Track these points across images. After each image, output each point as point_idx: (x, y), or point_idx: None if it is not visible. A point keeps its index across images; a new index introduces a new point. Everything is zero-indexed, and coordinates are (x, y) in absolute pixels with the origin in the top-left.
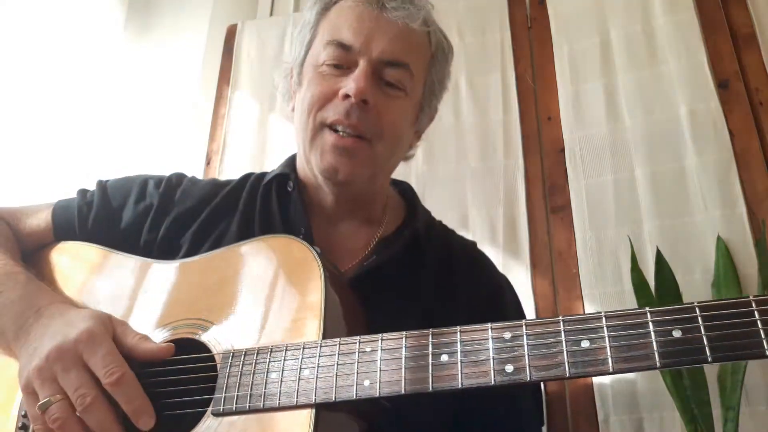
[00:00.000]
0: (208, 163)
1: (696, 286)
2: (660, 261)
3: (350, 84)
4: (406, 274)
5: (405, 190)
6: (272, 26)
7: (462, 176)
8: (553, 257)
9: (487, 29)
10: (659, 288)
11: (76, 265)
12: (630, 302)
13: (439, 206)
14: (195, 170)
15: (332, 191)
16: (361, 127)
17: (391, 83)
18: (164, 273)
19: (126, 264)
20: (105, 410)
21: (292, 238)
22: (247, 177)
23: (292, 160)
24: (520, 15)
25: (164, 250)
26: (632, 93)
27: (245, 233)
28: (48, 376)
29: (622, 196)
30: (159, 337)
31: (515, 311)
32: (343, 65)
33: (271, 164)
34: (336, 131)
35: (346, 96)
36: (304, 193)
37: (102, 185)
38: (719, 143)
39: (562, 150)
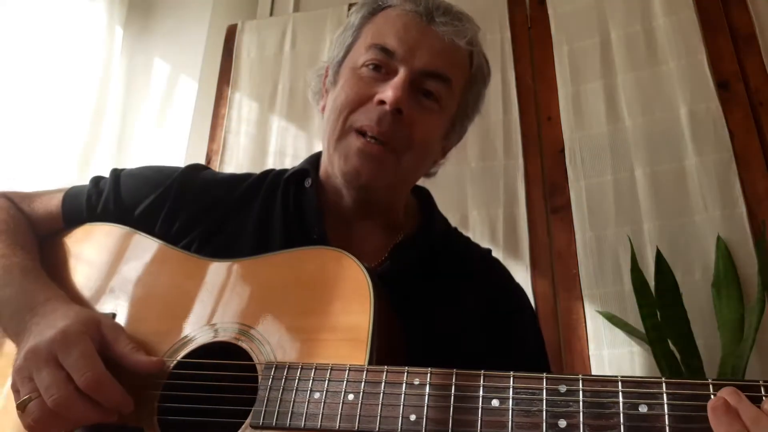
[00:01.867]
0: (208, 163)
1: (696, 286)
2: (660, 261)
3: (387, 91)
4: (417, 282)
5: (422, 196)
6: (272, 26)
7: (462, 176)
8: (553, 257)
9: (487, 29)
10: (659, 288)
11: (101, 253)
12: (630, 302)
13: (439, 206)
14: None
15: (351, 195)
16: (390, 137)
17: (428, 93)
18: (208, 271)
19: (169, 257)
20: (81, 405)
21: (343, 253)
22: (267, 173)
23: (315, 158)
24: (520, 15)
25: (176, 243)
26: (632, 93)
27: (263, 231)
28: (26, 375)
29: (622, 196)
30: (200, 337)
31: (533, 320)
32: (382, 69)
33: (271, 165)
34: (364, 135)
35: (381, 102)
36: (323, 191)
37: (116, 174)
38: (719, 143)
39: (562, 150)
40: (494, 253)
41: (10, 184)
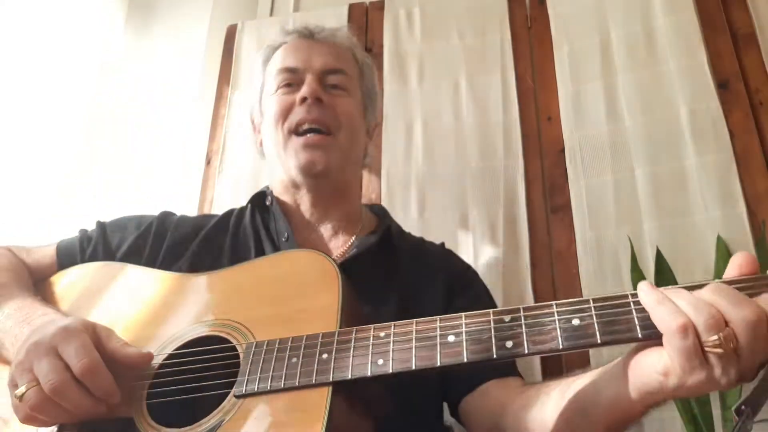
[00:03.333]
0: (208, 162)
1: None
2: (660, 261)
3: (304, 89)
4: (381, 264)
5: (374, 210)
6: (272, 26)
7: (462, 176)
8: (553, 257)
9: (487, 29)
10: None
11: (91, 281)
12: None
13: (439, 206)
14: (195, 170)
15: (311, 188)
16: (322, 120)
17: (335, 85)
18: (192, 283)
19: (147, 276)
20: (76, 391)
21: (311, 251)
22: (232, 210)
23: (264, 190)
24: (520, 15)
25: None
26: (632, 93)
27: (239, 249)
28: (26, 367)
29: (622, 196)
30: (187, 334)
31: (486, 291)
32: (293, 84)
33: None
34: (301, 135)
35: (303, 99)
36: (283, 206)
37: (101, 224)
38: (719, 143)
39: (562, 150)
40: (494, 253)
41: (7, 183)
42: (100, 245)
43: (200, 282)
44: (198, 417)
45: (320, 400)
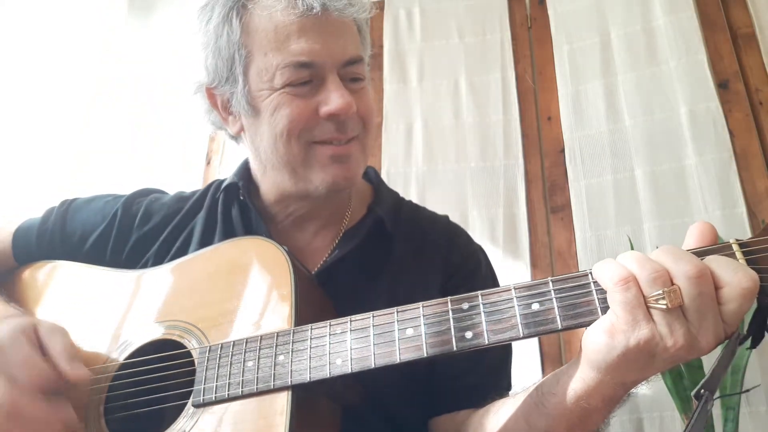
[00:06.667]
0: (208, 163)
1: None
2: None
3: (333, 101)
4: (370, 262)
5: (369, 175)
6: None
7: (462, 176)
8: (553, 257)
9: (487, 29)
10: None
11: (51, 282)
12: None
13: (439, 206)
14: (195, 170)
15: (321, 200)
16: (354, 134)
17: (355, 78)
18: (141, 281)
19: (103, 277)
20: None
21: (262, 239)
22: (210, 186)
23: (243, 168)
24: (520, 15)
25: (130, 267)
26: (632, 93)
27: (206, 243)
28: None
29: (622, 196)
30: (138, 340)
31: (491, 279)
32: (308, 81)
33: None
34: (325, 143)
35: (331, 115)
36: (261, 208)
37: (64, 209)
38: (719, 143)
39: (562, 150)
40: (494, 253)
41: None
42: (58, 238)
43: (147, 280)
44: (158, 428)
45: (281, 405)
